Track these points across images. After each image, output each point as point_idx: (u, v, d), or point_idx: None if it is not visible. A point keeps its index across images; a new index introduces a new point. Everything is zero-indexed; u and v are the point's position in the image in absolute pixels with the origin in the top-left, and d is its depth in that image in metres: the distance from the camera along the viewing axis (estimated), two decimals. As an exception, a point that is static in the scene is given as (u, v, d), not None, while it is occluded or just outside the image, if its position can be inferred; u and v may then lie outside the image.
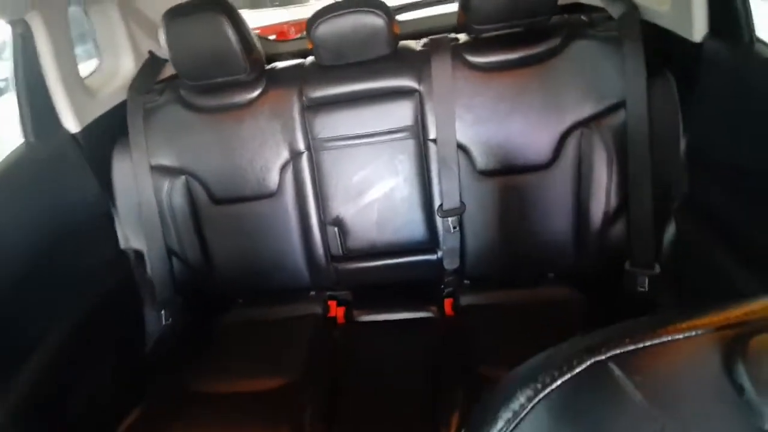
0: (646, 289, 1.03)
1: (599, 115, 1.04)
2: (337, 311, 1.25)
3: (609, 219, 1.07)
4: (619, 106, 1.02)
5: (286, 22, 3.16)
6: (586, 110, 1.04)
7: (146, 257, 1.22)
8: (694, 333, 0.26)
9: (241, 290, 1.30)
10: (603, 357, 0.26)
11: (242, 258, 1.23)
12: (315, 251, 1.22)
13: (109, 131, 1.20)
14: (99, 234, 1.18)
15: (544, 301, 1.12)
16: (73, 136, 1.11)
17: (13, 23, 0.98)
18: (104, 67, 1.29)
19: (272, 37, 2.60)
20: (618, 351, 0.26)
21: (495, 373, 0.91)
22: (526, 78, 1.07)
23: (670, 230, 1.01)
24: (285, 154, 1.16)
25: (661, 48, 0.98)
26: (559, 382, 0.26)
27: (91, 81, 1.23)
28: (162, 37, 1.09)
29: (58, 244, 1.01)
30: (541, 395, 0.25)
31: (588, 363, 0.26)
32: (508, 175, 1.10)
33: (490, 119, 1.09)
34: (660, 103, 0.99)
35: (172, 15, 1.07)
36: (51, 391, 0.90)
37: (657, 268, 1.01)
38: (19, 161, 1.00)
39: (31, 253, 0.95)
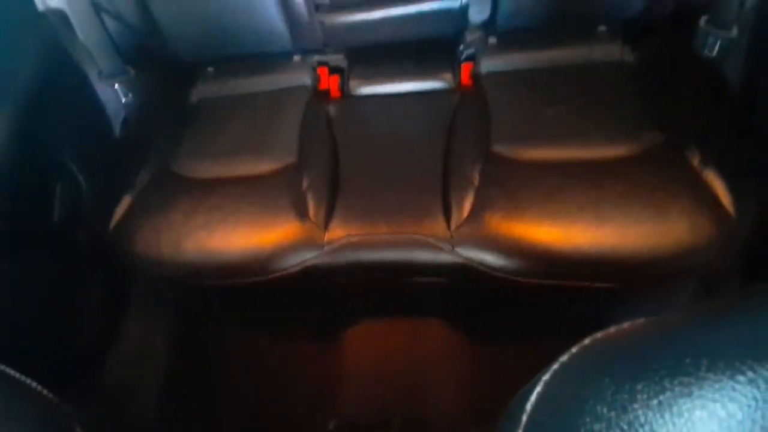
0: (714, 54, 0.81)
1: None
2: (330, 82, 1.04)
3: None
4: None
5: None
6: None
7: (71, 18, 0.91)
8: None
9: (205, 56, 1.05)
10: None
11: (192, 9, 0.94)
12: None
13: None
14: None
15: (586, 63, 0.91)
16: None
17: None
18: None
19: None
20: None
21: (513, 152, 0.81)
22: None
23: None
24: None
25: None
26: None
27: None
28: None
29: None
30: None
31: None
32: None
33: None
34: None
35: None
36: (20, 201, 0.79)
37: (734, 31, 0.77)
38: None
39: None
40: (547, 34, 0.93)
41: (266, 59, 1.04)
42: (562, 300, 0.77)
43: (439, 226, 0.78)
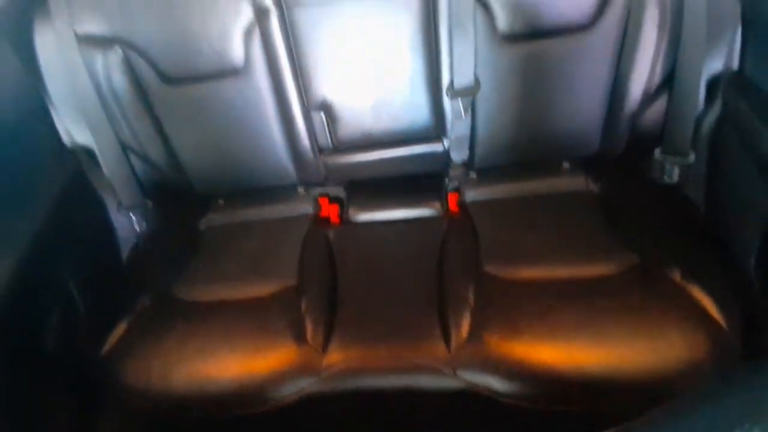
0: (675, 181, 0.93)
1: None
2: (330, 210, 1.13)
3: (649, 95, 0.91)
4: None
5: None
6: None
7: (98, 155, 1.02)
8: None
9: (219, 189, 1.15)
10: None
11: (213, 151, 1.06)
12: (299, 143, 1.05)
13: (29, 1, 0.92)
14: (37, 132, 0.97)
15: (556, 194, 1.02)
16: None
17: None
18: None
19: None
20: None
21: (504, 272, 0.85)
22: None
23: (714, 111, 0.87)
24: (247, 12, 0.90)
25: None
26: None
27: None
28: None
29: None
30: None
31: None
32: (537, 39, 0.89)
33: None
34: None
35: None
36: (17, 325, 0.79)
37: (692, 157, 0.90)
38: None
39: None
40: (519, 170, 1.06)
41: (272, 191, 1.14)
42: (570, 428, 0.73)
43: (438, 348, 0.77)
